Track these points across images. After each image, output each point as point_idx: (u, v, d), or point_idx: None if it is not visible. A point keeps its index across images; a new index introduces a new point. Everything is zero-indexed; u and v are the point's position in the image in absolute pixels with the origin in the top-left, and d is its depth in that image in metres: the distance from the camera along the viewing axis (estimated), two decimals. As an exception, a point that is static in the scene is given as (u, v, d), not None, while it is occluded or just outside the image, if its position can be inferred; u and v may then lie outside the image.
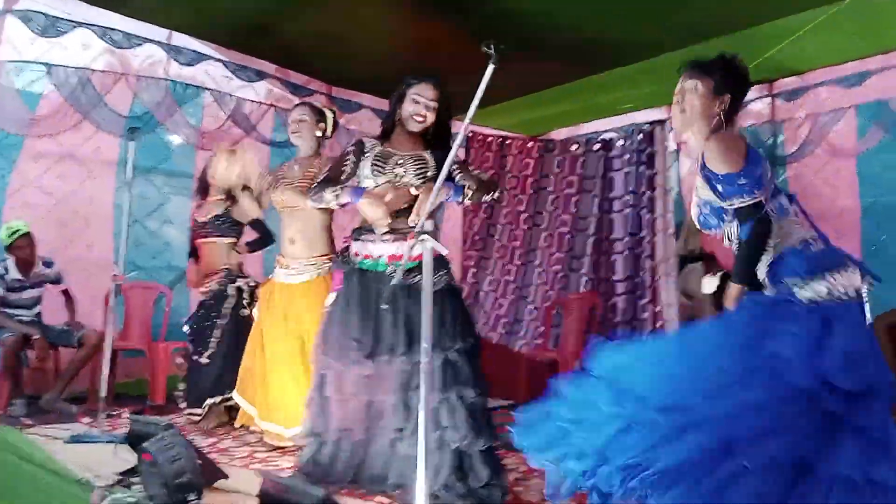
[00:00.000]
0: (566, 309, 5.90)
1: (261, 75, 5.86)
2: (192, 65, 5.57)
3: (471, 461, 2.51)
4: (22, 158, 5.19)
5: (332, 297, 2.89)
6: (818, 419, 1.93)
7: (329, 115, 3.99)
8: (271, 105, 6.13)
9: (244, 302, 4.28)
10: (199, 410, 4.15)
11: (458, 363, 2.55)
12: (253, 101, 6.02)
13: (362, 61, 5.54)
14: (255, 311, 4.06)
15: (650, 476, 1.87)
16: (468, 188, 2.76)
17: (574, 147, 6.43)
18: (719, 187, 2.22)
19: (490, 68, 2.02)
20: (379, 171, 2.78)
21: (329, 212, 3.69)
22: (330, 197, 2.79)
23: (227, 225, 4.42)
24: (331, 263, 3.65)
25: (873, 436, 1.92)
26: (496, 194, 2.86)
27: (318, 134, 3.90)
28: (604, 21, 4.85)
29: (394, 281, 2.41)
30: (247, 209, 4.33)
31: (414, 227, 2.41)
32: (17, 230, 4.69)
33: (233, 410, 4.12)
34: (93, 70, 5.24)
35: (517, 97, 6.16)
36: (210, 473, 2.74)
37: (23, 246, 4.70)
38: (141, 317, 5.41)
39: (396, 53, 5.18)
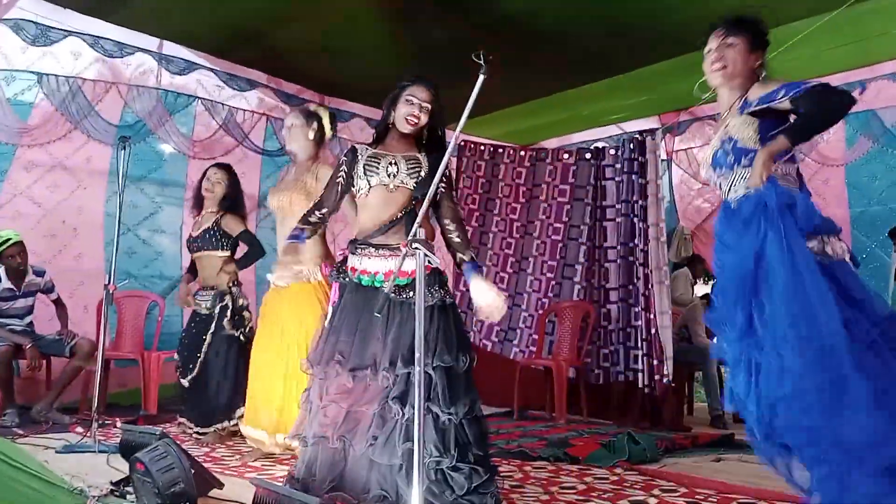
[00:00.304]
0: (560, 317, 5.91)
1: (252, 84, 5.87)
2: (184, 74, 5.58)
3: (448, 473, 2.50)
4: (13, 168, 5.17)
5: (330, 310, 2.89)
6: None
7: (323, 113, 3.93)
8: (263, 114, 6.14)
9: (228, 320, 4.23)
10: (201, 430, 4.13)
11: (433, 380, 2.53)
12: (245, 110, 6.03)
13: (354, 70, 5.56)
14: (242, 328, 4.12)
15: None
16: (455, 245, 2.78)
17: (566, 156, 6.47)
18: (780, 94, 2.24)
19: (480, 78, 2.03)
20: (372, 172, 2.78)
21: None
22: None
23: (219, 238, 4.33)
24: (320, 268, 3.65)
25: None
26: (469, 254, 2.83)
27: (311, 136, 3.84)
28: (594, 31, 4.89)
29: (386, 289, 2.41)
30: (232, 226, 4.33)
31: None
32: (9, 239, 4.67)
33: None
34: (84, 79, 5.25)
35: (509, 107, 6.20)
36: (204, 483, 2.73)
37: (14, 255, 4.68)
38: (133, 326, 5.39)
39: (388, 62, 5.20)
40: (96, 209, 5.52)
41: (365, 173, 2.77)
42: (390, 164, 2.75)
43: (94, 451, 3.48)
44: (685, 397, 6.06)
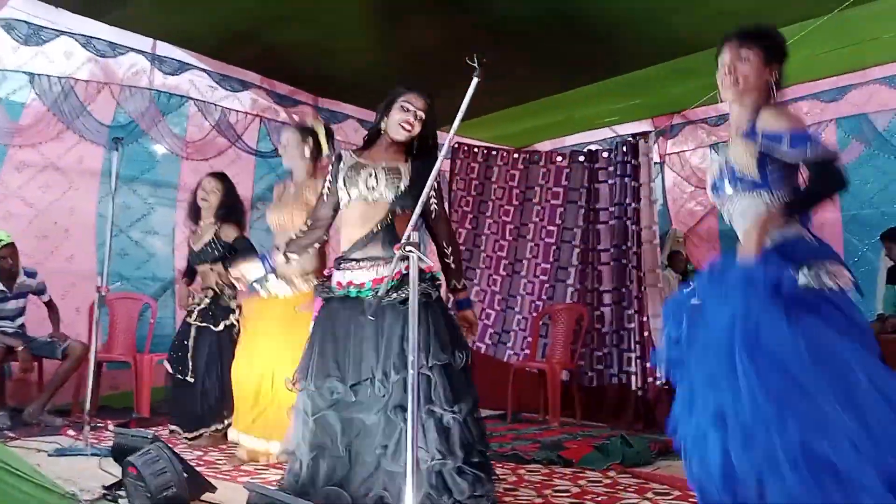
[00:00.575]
0: (553, 319, 5.92)
1: (246, 85, 5.86)
2: (177, 74, 5.56)
3: (452, 476, 2.50)
4: (4, 168, 5.14)
5: (312, 325, 2.89)
6: None
7: (318, 128, 3.92)
8: (257, 115, 6.13)
9: (227, 327, 4.22)
10: (189, 434, 4.11)
11: (432, 380, 2.53)
12: (238, 111, 6.01)
13: (348, 71, 5.55)
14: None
15: None
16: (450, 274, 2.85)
17: (559, 159, 6.47)
18: (784, 144, 2.20)
19: (474, 81, 2.03)
20: (352, 184, 2.77)
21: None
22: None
23: (220, 251, 4.29)
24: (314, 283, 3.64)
25: None
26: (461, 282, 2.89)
27: (307, 153, 3.85)
28: (587, 35, 4.90)
29: (380, 292, 2.40)
30: (228, 234, 4.31)
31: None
32: (0, 240, 4.64)
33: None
34: (76, 79, 5.22)
35: (503, 109, 6.21)
36: (196, 486, 2.72)
37: (5, 256, 4.65)
38: (126, 328, 5.36)
39: (382, 63, 5.20)
40: (88, 210, 5.49)
41: (346, 184, 2.77)
42: (370, 175, 2.74)
43: (87, 455, 3.47)
44: (678, 400, 6.07)
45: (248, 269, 3.03)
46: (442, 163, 2.31)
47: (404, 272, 2.42)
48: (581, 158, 6.32)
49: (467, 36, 4.71)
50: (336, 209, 2.87)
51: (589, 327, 5.76)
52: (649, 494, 3.10)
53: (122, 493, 2.66)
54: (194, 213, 4.44)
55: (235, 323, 4.23)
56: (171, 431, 4.22)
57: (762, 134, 2.24)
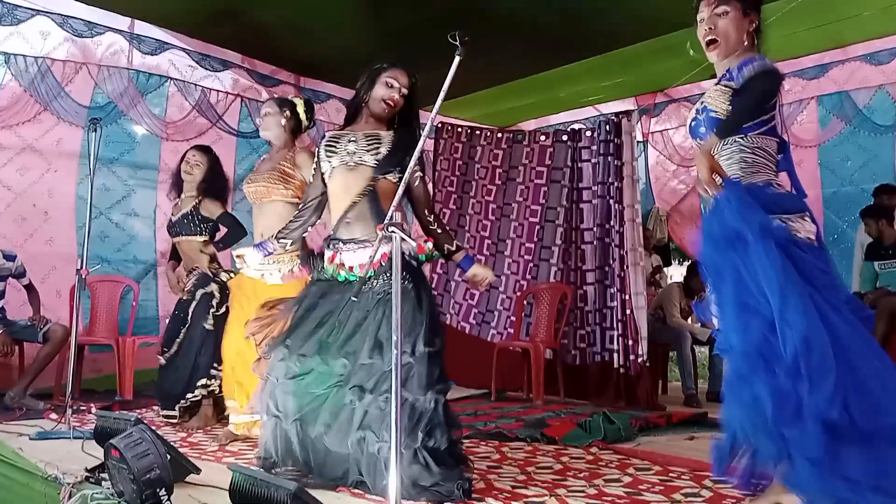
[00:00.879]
0: (537, 298, 5.94)
1: (226, 65, 5.79)
2: (156, 54, 5.49)
3: (428, 455, 2.51)
4: (-20, 151, 5.07)
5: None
6: None
7: (298, 102, 3.90)
8: (237, 95, 6.07)
9: (212, 306, 4.16)
10: (172, 413, 4.10)
11: (411, 368, 2.54)
12: (219, 90, 5.95)
13: (330, 51, 5.50)
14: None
15: None
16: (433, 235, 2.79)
17: (542, 138, 6.46)
18: (737, 71, 2.26)
19: (456, 60, 2.02)
20: (332, 152, 2.77)
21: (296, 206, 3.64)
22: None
23: (198, 223, 4.26)
24: (298, 261, 3.62)
25: None
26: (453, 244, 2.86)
27: (283, 123, 3.81)
28: (570, 13, 4.88)
29: (362, 274, 2.41)
30: (211, 209, 4.28)
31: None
32: (-23, 224, 4.59)
33: (220, 408, 4.07)
34: (53, 59, 5.14)
35: (486, 88, 6.19)
36: (180, 468, 2.71)
37: (-17, 240, 4.60)
38: (108, 311, 5.33)
39: (364, 43, 5.15)
40: (68, 192, 5.42)
41: (327, 155, 2.77)
42: (350, 141, 2.76)
43: (69, 438, 3.45)
44: (660, 377, 6.14)
45: (250, 253, 3.13)
46: (425, 141, 2.31)
47: (390, 255, 2.42)
48: (564, 138, 6.32)
49: (450, 15, 4.66)
50: (325, 188, 2.87)
51: (572, 306, 5.80)
52: (630, 470, 3.13)
53: (105, 475, 2.64)
54: (178, 186, 4.40)
55: (217, 295, 4.19)
56: (160, 415, 4.20)
57: (738, 77, 2.27)
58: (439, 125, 6.66)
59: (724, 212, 2.18)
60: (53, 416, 4.03)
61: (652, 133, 7.14)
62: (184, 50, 5.56)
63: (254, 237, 3.77)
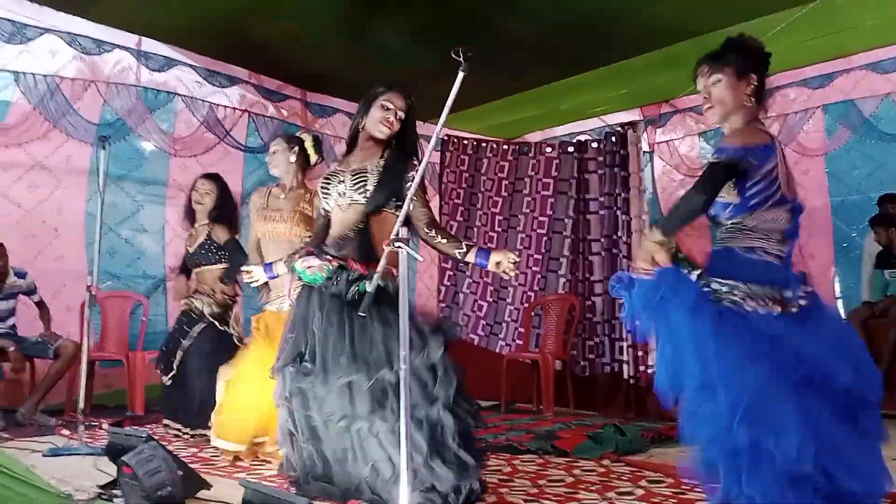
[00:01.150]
0: (545, 310, 5.94)
1: (233, 80, 5.83)
2: (163, 70, 5.53)
3: (436, 468, 2.51)
4: (-9, 169, 5.10)
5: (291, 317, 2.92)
6: None
7: (306, 138, 3.93)
8: (245, 111, 6.09)
9: (215, 319, 4.21)
10: (192, 431, 4.10)
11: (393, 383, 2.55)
12: (226, 106, 5.98)
13: (336, 65, 5.54)
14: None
15: None
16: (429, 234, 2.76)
17: (549, 149, 6.48)
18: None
19: (460, 75, 2.04)
20: (327, 195, 2.83)
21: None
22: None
23: (214, 252, 4.30)
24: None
25: None
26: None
27: (292, 160, 3.85)
28: (575, 25, 4.90)
29: (369, 289, 2.41)
30: (220, 235, 4.31)
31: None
32: (-12, 241, 4.61)
33: None
34: (62, 77, 5.17)
35: (492, 101, 6.20)
36: (192, 484, 2.72)
37: (-6, 257, 4.62)
38: (118, 326, 5.35)
39: (370, 57, 5.18)
40: (77, 209, 5.45)
41: (323, 196, 2.85)
42: (339, 182, 2.80)
43: (81, 454, 3.46)
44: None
45: (257, 271, 3.22)
46: (430, 156, 2.33)
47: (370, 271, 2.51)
48: (570, 149, 6.34)
49: (456, 28, 4.71)
50: (329, 220, 2.91)
51: (581, 317, 5.79)
52: (643, 483, 3.12)
53: (118, 492, 2.65)
54: (190, 215, 4.45)
55: (233, 330, 4.24)
56: (166, 426, 4.21)
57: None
58: (445, 138, 6.68)
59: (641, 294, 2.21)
60: (65, 432, 4.04)
61: (658, 143, 7.13)
62: (191, 66, 5.60)
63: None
